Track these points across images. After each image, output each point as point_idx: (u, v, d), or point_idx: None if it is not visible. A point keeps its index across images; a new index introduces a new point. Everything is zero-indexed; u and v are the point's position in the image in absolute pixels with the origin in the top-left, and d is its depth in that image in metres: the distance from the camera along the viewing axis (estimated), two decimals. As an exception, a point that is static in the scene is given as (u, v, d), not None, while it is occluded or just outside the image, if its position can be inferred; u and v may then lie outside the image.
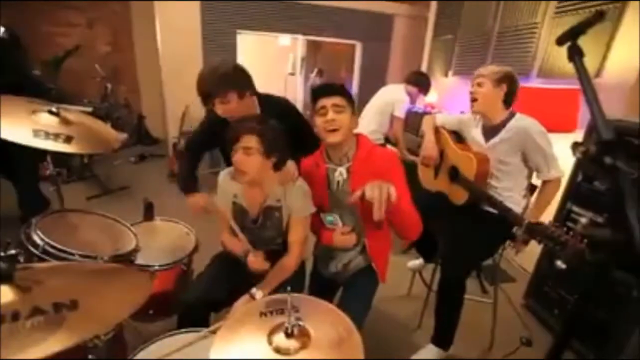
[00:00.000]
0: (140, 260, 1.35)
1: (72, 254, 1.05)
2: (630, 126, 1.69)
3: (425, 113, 3.74)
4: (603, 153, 0.43)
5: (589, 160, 0.45)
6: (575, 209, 1.92)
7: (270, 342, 0.78)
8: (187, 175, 1.63)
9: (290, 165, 1.33)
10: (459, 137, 1.85)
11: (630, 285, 1.57)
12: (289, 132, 1.30)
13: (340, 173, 1.33)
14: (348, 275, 1.43)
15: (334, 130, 1.25)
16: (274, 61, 5.49)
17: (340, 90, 1.29)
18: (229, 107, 1.40)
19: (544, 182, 1.61)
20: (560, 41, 0.69)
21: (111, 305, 0.64)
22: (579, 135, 1.97)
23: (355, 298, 1.38)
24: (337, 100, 1.27)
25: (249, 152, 1.19)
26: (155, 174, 4.14)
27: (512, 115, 1.61)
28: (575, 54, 0.63)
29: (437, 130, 1.88)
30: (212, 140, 1.61)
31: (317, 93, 1.30)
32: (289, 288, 0.82)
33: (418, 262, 2.28)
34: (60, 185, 1.47)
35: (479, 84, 1.62)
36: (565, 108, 2.19)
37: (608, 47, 2.13)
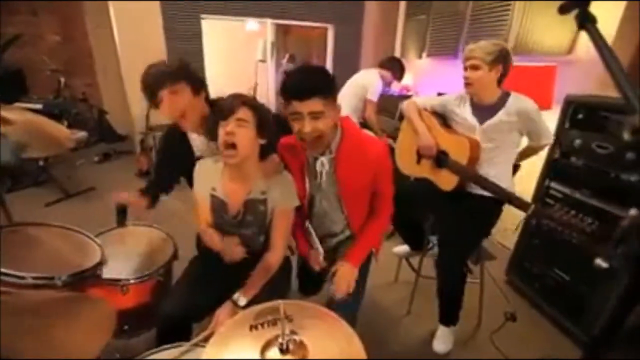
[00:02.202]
0: (113, 272, 1.23)
1: (23, 278, 0.90)
2: (604, 101, 1.72)
3: (400, 96, 3.71)
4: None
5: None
6: (554, 185, 1.96)
7: (263, 360, 0.70)
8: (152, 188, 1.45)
9: (274, 156, 1.25)
10: (443, 119, 1.77)
11: (606, 257, 1.61)
12: None
13: (322, 163, 1.23)
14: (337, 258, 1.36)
15: (314, 139, 1.10)
16: (242, 48, 5.24)
17: (317, 89, 1.02)
18: (178, 99, 1.22)
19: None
20: (564, 9, 0.63)
21: (69, 346, 0.50)
22: (554, 112, 1.99)
23: None
24: (314, 104, 1.02)
25: (243, 124, 1.08)
26: (122, 173, 3.88)
27: (506, 94, 1.55)
28: (586, 21, 0.57)
29: (420, 114, 1.78)
30: (175, 162, 1.44)
31: (288, 93, 1.06)
32: (281, 302, 0.73)
33: (403, 247, 2.26)
34: (3, 195, 1.28)
35: (474, 67, 1.50)
36: (540, 85, 2.20)
37: (580, 22, 2.14)
